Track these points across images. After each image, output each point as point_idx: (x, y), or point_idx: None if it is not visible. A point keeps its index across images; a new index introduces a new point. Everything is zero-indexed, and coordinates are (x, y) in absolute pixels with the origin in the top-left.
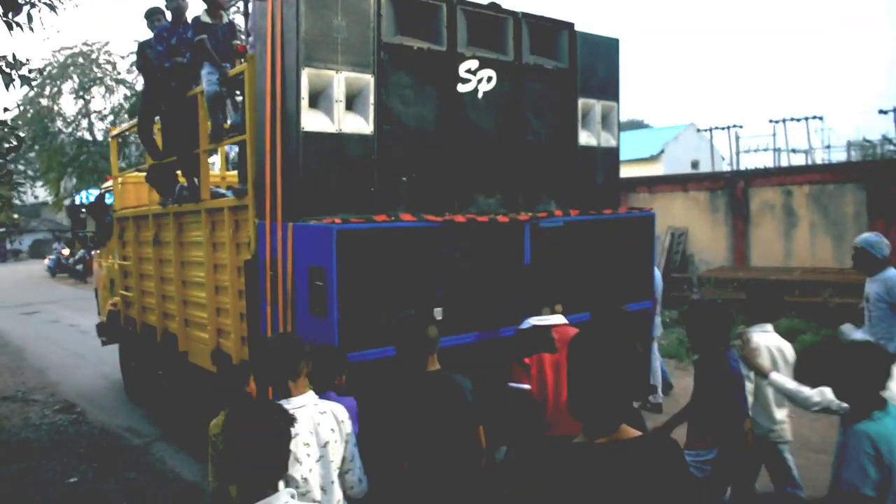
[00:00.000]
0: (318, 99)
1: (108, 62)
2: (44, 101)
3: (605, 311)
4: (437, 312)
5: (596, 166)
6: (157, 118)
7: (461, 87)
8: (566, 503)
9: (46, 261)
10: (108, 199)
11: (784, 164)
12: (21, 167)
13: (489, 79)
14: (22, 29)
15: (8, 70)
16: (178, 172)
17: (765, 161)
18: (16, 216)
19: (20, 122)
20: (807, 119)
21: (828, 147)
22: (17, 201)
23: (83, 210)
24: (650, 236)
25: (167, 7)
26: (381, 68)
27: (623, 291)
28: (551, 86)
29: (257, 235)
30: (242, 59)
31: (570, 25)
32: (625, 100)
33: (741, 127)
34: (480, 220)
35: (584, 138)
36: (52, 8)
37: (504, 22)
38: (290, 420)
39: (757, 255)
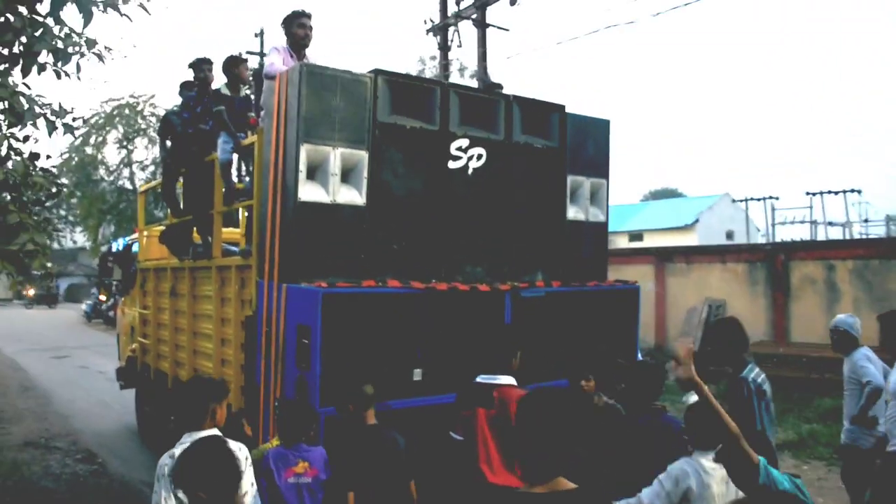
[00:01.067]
0: (316, 172)
1: (153, 114)
2: (89, 150)
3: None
4: (417, 373)
5: (583, 239)
6: (179, 179)
7: (452, 164)
8: None
9: (83, 306)
10: (135, 250)
11: (821, 236)
12: (62, 212)
13: (479, 156)
14: (70, 77)
15: (52, 118)
16: (194, 232)
17: (801, 233)
18: (49, 265)
19: (64, 169)
20: (844, 192)
21: (866, 221)
22: (56, 245)
23: (110, 259)
24: (635, 307)
25: (195, 78)
26: (375, 145)
27: (606, 359)
28: (541, 163)
29: (258, 293)
30: (254, 132)
31: (561, 108)
32: (658, 168)
33: (777, 198)
34: (462, 289)
35: (573, 213)
36: (101, 58)
37: (496, 104)
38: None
39: (797, 330)
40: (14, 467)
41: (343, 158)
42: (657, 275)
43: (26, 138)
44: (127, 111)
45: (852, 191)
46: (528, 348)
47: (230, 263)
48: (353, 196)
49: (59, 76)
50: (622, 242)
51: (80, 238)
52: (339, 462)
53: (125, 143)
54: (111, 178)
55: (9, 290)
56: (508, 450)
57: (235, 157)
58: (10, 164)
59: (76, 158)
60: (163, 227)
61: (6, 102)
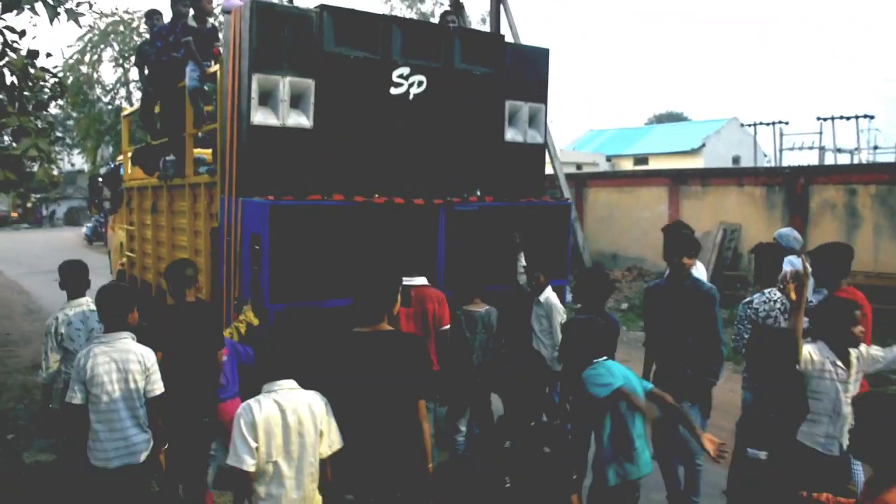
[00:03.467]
0: (267, 98)
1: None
2: (83, 69)
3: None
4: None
5: (522, 160)
6: (156, 104)
7: (393, 90)
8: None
9: (84, 228)
10: (123, 171)
11: (829, 162)
12: (59, 134)
13: (420, 83)
14: None
15: (53, 3)
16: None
17: (809, 159)
18: (55, 172)
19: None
20: (857, 118)
21: (875, 148)
22: (54, 168)
23: (100, 179)
24: (566, 223)
25: (171, 8)
26: (321, 74)
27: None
28: (480, 89)
29: (221, 207)
30: (217, 61)
31: (500, 37)
32: (663, 92)
33: (786, 123)
34: (397, 202)
35: (511, 135)
36: None
37: (437, 34)
38: None
39: None
40: (25, 390)
41: (292, 86)
42: (670, 197)
43: (23, 33)
44: (122, 28)
45: (864, 116)
46: (463, 258)
47: (199, 181)
48: (301, 120)
49: None
50: (627, 166)
51: (78, 161)
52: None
53: (121, 62)
54: (108, 97)
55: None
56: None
57: (204, 84)
58: (5, 60)
59: (71, 77)
60: (133, 152)
61: None
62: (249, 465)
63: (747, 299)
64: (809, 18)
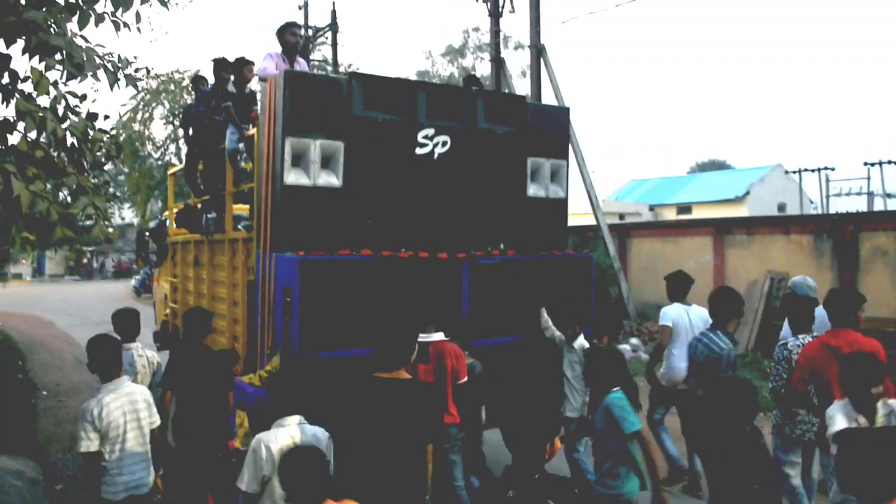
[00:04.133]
0: (300, 160)
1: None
2: (136, 126)
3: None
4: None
5: (544, 215)
6: (199, 164)
7: (419, 150)
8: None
9: (133, 281)
10: (168, 226)
11: (878, 208)
12: (111, 189)
13: (444, 143)
14: (129, 29)
15: (113, 70)
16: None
17: (857, 205)
18: (111, 229)
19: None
20: None
21: None
22: (106, 222)
23: (147, 234)
24: (588, 275)
25: (213, 75)
26: (350, 136)
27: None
28: (502, 147)
29: (256, 261)
30: (255, 125)
31: (522, 98)
32: (706, 139)
33: (833, 169)
34: (422, 256)
35: (533, 190)
36: (164, 3)
37: (460, 97)
38: None
39: (865, 305)
40: (73, 440)
41: (322, 148)
42: (715, 246)
43: (83, 97)
44: (172, 87)
45: None
46: (486, 309)
47: (238, 236)
48: (331, 180)
49: (118, 27)
50: (670, 215)
51: (128, 214)
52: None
53: (171, 119)
54: (158, 153)
55: (62, 262)
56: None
57: (242, 145)
58: (67, 123)
59: (124, 135)
60: (180, 208)
61: (64, 53)
62: (254, 489)
63: (782, 342)
64: (854, 60)
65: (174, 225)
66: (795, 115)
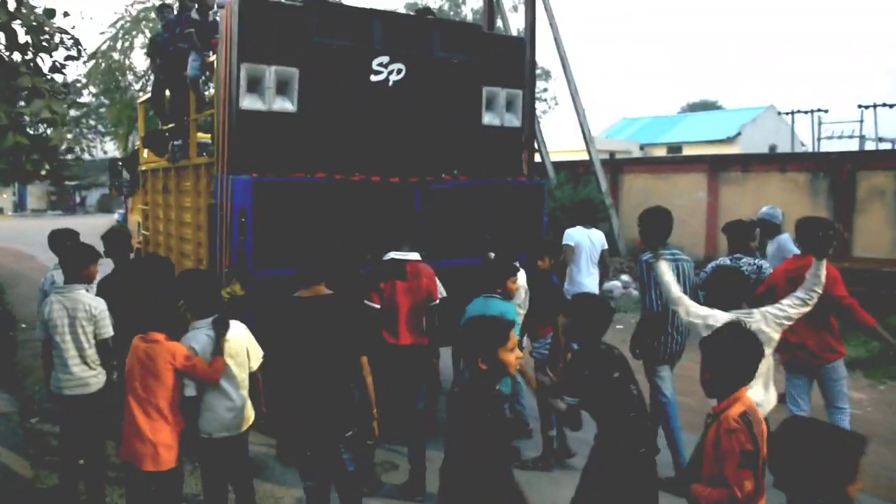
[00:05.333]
0: (256, 86)
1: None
2: (116, 55)
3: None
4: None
5: (499, 143)
6: (166, 91)
7: (373, 77)
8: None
9: (116, 215)
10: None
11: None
12: (92, 122)
13: (399, 70)
14: None
15: None
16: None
17: (849, 148)
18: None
19: (91, 76)
20: None
21: None
22: (86, 156)
23: (120, 163)
24: (540, 203)
25: (178, 2)
26: (305, 62)
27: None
28: (458, 76)
29: (215, 185)
30: (215, 52)
31: (477, 27)
32: (696, 79)
33: (826, 111)
34: (374, 180)
35: (488, 119)
36: None
37: (416, 25)
38: None
39: (860, 245)
40: None
41: (277, 74)
42: (710, 184)
43: None
44: (153, 15)
45: None
46: (439, 234)
47: (200, 162)
48: (286, 105)
49: None
50: (660, 154)
51: (110, 148)
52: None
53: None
54: (139, 84)
55: (45, 197)
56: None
57: (206, 73)
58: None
59: (103, 64)
60: (143, 136)
61: None
62: (191, 393)
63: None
64: (849, 2)
65: (143, 151)
66: (788, 56)
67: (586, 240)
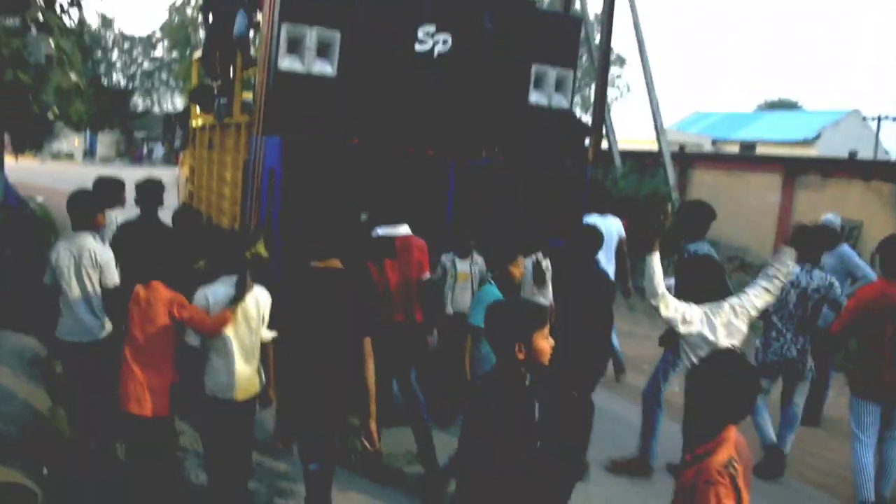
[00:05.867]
0: (296, 47)
1: None
2: (189, 11)
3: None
4: (363, 216)
5: (545, 124)
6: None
7: (418, 47)
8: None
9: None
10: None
11: None
12: (164, 76)
13: (445, 41)
14: None
15: None
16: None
17: None
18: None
19: (164, 31)
20: None
21: None
22: (157, 108)
23: (173, 118)
24: (581, 190)
25: None
26: (348, 26)
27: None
28: (507, 52)
29: (250, 144)
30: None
31: (531, 3)
32: (775, 77)
33: None
34: (409, 150)
35: (535, 98)
36: None
37: None
38: None
39: None
40: None
41: (319, 36)
42: (784, 187)
43: None
44: None
45: None
46: (472, 212)
47: (241, 120)
48: (325, 68)
49: None
50: (732, 152)
51: (180, 103)
52: None
53: None
54: None
55: (114, 146)
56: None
57: (252, 31)
58: None
59: (176, 18)
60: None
61: None
62: (193, 342)
63: None
64: None
65: (195, 107)
66: (873, 59)
67: (601, 227)
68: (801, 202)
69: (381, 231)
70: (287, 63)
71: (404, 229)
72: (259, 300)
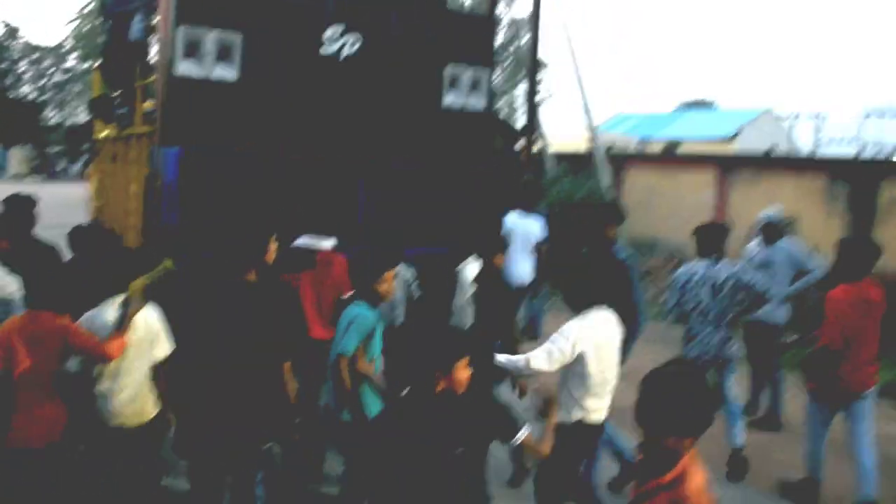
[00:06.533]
0: (194, 50)
1: None
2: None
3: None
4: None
5: (461, 126)
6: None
7: (323, 49)
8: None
9: None
10: None
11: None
12: (77, 88)
13: (353, 43)
14: None
15: None
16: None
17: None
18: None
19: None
20: None
21: None
22: (70, 122)
23: (78, 131)
24: (492, 190)
25: None
26: (250, 28)
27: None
28: (418, 53)
29: (150, 156)
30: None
31: (442, 2)
32: (690, 77)
33: (826, 116)
34: (316, 159)
35: (449, 100)
36: None
37: None
38: None
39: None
40: None
41: (218, 39)
42: (718, 185)
43: None
44: None
45: None
46: (385, 220)
47: (143, 131)
48: (226, 73)
49: None
50: (659, 152)
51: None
52: None
53: None
54: None
55: (26, 161)
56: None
57: (150, 35)
58: None
59: (87, 27)
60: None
61: None
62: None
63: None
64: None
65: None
66: (784, 58)
67: (520, 227)
68: (735, 199)
69: (303, 241)
70: (185, 68)
71: (328, 242)
72: (148, 320)
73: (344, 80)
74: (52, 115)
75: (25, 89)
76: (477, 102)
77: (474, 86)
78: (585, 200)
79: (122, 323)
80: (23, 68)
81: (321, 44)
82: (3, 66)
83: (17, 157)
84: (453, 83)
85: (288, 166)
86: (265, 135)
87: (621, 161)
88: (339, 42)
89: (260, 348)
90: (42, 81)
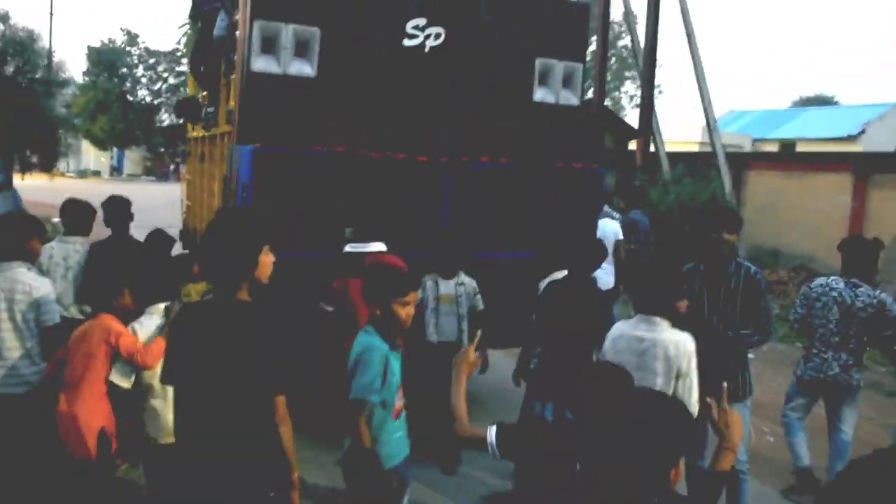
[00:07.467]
0: (271, 46)
1: None
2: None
3: None
4: (348, 231)
5: (553, 123)
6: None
7: (407, 42)
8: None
9: None
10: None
11: None
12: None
13: (437, 35)
14: None
15: None
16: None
17: None
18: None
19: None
20: None
21: None
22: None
23: (170, 131)
24: (594, 192)
25: None
26: (328, 22)
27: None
28: (507, 45)
29: (228, 155)
30: None
31: None
32: (808, 73)
33: None
34: (397, 157)
35: (540, 95)
36: None
37: None
38: None
39: None
40: None
41: (296, 34)
42: (856, 188)
43: None
44: None
45: None
46: (472, 222)
47: (225, 130)
48: (304, 68)
49: None
50: (772, 150)
51: None
52: None
53: None
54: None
55: (140, 162)
56: None
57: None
58: None
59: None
60: (176, 104)
61: None
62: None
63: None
64: None
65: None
66: None
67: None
68: (876, 203)
69: (350, 248)
70: (261, 64)
71: (377, 246)
72: None
73: (428, 73)
74: (164, 119)
75: (143, 93)
76: (570, 97)
77: (566, 81)
78: (710, 204)
79: (163, 331)
80: (140, 73)
81: (404, 35)
82: (123, 70)
83: (132, 158)
84: (543, 78)
85: (367, 165)
86: (344, 132)
87: (743, 161)
88: (422, 34)
89: (242, 380)
90: (157, 85)
